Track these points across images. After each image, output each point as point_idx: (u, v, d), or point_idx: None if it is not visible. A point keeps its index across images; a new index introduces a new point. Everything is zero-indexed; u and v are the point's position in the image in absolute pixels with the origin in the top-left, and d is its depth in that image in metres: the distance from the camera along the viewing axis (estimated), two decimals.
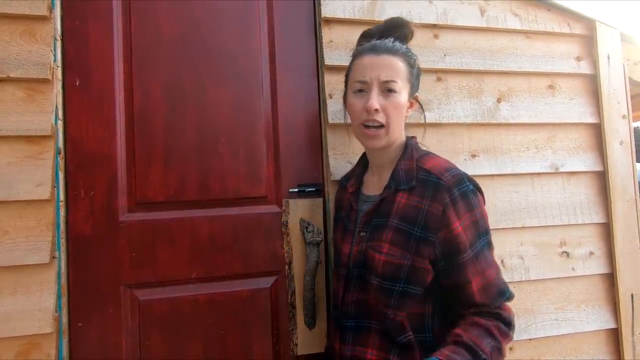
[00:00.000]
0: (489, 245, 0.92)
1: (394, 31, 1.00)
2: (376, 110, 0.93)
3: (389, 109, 0.94)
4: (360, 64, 0.97)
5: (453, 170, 0.92)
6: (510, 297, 0.92)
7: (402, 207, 0.93)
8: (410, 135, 1.05)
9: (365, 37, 1.05)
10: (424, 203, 0.90)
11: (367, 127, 0.96)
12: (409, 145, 1.00)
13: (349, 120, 1.13)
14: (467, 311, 0.90)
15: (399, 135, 0.99)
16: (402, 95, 0.96)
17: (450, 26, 1.40)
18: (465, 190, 0.90)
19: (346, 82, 1.05)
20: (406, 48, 0.99)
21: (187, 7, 1.25)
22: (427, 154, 1.00)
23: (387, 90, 0.95)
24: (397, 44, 0.98)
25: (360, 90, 0.97)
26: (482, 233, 0.91)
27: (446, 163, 0.95)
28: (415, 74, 1.00)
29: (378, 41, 0.99)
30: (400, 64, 0.96)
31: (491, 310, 0.89)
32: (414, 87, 1.00)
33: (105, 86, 1.17)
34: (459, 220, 0.88)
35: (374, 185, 1.04)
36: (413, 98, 1.01)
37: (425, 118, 1.17)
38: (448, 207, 0.88)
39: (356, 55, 1.01)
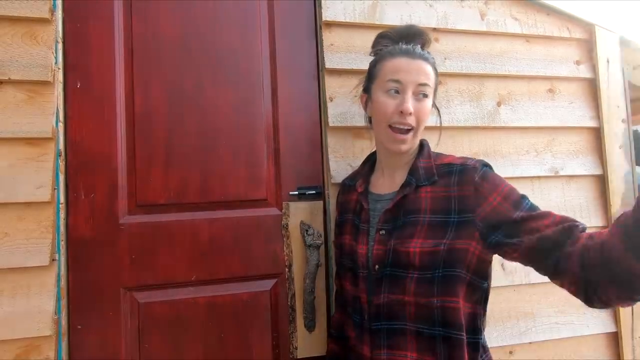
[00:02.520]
0: (535, 205, 0.88)
1: (414, 38, 1.01)
2: (410, 113, 0.94)
3: (420, 113, 0.96)
4: (395, 65, 0.97)
5: (472, 158, 0.96)
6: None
7: (430, 201, 0.93)
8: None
9: (385, 38, 1.05)
10: (451, 190, 0.92)
11: (395, 129, 0.96)
12: (425, 146, 1.03)
13: (366, 121, 1.14)
14: (566, 249, 0.77)
15: (420, 138, 1.02)
16: (430, 100, 0.99)
17: (450, 30, 1.41)
18: (488, 169, 0.93)
19: (371, 80, 1.04)
20: (433, 57, 1.01)
21: (188, 9, 1.25)
22: (440, 154, 1.02)
23: (421, 94, 0.96)
24: (426, 51, 1.00)
25: (394, 91, 0.97)
26: (523, 196, 0.89)
27: (462, 157, 0.98)
28: (437, 83, 1.03)
29: (410, 46, 0.99)
30: (431, 71, 0.98)
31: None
32: (435, 95, 1.04)
33: (106, 88, 1.17)
34: (495, 192, 0.88)
35: (384, 185, 1.04)
36: (433, 105, 1.04)
37: (440, 122, 1.17)
38: (480, 185, 0.89)
39: (387, 55, 1.00)
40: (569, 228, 0.79)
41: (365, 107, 1.08)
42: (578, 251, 0.75)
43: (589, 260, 0.73)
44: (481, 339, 0.91)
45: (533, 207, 0.87)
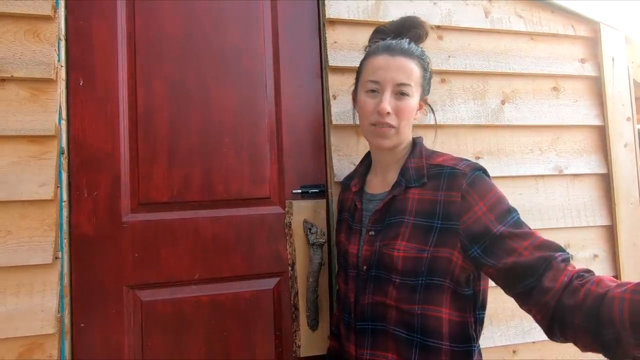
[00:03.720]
0: (521, 221, 0.84)
1: (409, 30, 1.00)
2: (388, 113, 0.93)
3: (400, 112, 0.94)
4: (374, 64, 0.96)
5: (466, 160, 0.92)
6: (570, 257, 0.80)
7: (416, 203, 0.91)
8: (416, 136, 1.05)
9: (378, 33, 1.04)
10: (439, 195, 0.88)
11: (377, 126, 0.95)
12: (417, 145, 1.00)
13: (355, 121, 1.14)
14: (545, 282, 0.74)
15: (407, 136, 0.99)
16: (414, 98, 0.96)
17: (454, 27, 1.40)
18: (480, 175, 0.88)
19: (357, 78, 1.04)
20: (421, 51, 0.98)
21: (191, 7, 1.25)
22: (434, 152, 1.00)
23: (400, 93, 0.94)
24: (413, 45, 0.97)
25: (373, 91, 0.96)
26: (511, 209, 0.85)
27: (457, 157, 0.95)
28: (427, 78, 1.00)
29: (394, 41, 0.97)
30: (414, 67, 0.95)
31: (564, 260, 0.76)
32: (425, 90, 1.00)
33: (109, 86, 1.17)
34: (482, 201, 0.84)
35: (378, 185, 1.03)
36: (422, 101, 1.01)
37: (435, 120, 1.17)
38: (467, 192, 0.85)
39: (370, 53, 0.99)
40: (547, 258, 0.76)
41: (354, 105, 1.08)
42: (559, 289, 0.72)
43: (577, 305, 0.69)
44: (475, 347, 0.89)
45: (518, 223, 0.83)
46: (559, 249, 0.79)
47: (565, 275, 0.73)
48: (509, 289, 0.81)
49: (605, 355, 0.68)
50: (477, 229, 0.83)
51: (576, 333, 0.70)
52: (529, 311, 0.79)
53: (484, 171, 0.91)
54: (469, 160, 0.92)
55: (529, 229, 0.83)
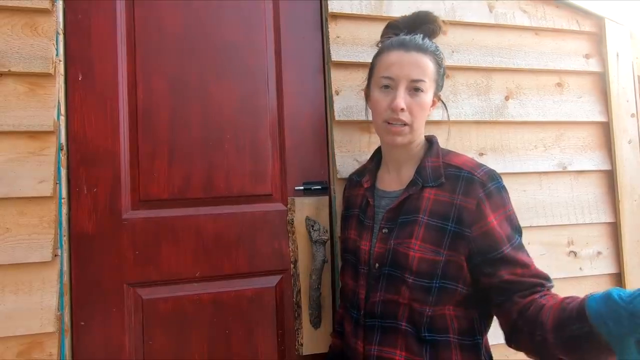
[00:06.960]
0: (521, 244, 0.89)
1: (422, 25, 0.99)
2: (402, 109, 0.92)
3: (415, 109, 0.93)
4: (388, 59, 0.95)
5: (484, 166, 0.92)
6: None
7: (431, 203, 0.91)
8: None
9: (391, 28, 1.03)
10: (455, 198, 0.89)
11: (390, 123, 0.94)
12: (434, 143, 1.00)
13: (367, 117, 1.12)
14: (517, 297, 0.82)
15: (420, 133, 0.98)
16: (428, 94, 0.95)
17: (458, 22, 1.38)
18: (498, 186, 0.89)
19: (370, 75, 1.03)
20: (435, 46, 0.97)
21: (191, 1, 1.22)
22: (450, 152, 0.99)
23: (414, 89, 0.93)
24: (427, 41, 0.96)
25: (386, 87, 0.95)
26: (517, 229, 0.89)
27: (474, 160, 0.95)
28: (441, 73, 0.99)
29: (408, 37, 0.96)
30: (429, 63, 0.94)
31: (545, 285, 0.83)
32: (438, 86, 0.99)
33: (109, 81, 1.15)
34: (494, 214, 0.87)
35: (390, 182, 1.02)
36: (436, 97, 1.00)
37: (448, 117, 1.17)
38: (483, 201, 0.86)
39: (383, 49, 0.98)
40: (535, 284, 0.83)
41: (367, 101, 1.07)
42: (523, 303, 0.81)
43: (523, 312, 0.80)
44: (481, 339, 0.91)
45: (520, 246, 0.87)
46: (547, 278, 0.86)
47: (537, 294, 0.81)
48: (493, 297, 0.87)
49: (535, 356, 0.80)
50: (486, 240, 0.86)
51: (519, 335, 0.81)
52: (499, 321, 0.88)
53: (500, 181, 0.91)
54: (486, 166, 0.92)
55: (527, 254, 0.88)
